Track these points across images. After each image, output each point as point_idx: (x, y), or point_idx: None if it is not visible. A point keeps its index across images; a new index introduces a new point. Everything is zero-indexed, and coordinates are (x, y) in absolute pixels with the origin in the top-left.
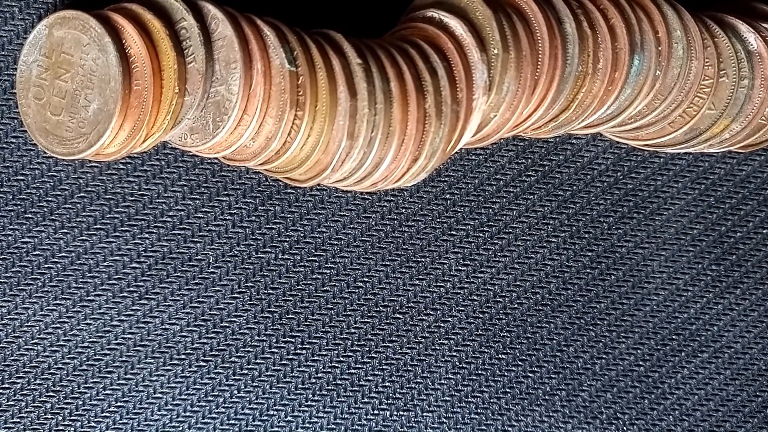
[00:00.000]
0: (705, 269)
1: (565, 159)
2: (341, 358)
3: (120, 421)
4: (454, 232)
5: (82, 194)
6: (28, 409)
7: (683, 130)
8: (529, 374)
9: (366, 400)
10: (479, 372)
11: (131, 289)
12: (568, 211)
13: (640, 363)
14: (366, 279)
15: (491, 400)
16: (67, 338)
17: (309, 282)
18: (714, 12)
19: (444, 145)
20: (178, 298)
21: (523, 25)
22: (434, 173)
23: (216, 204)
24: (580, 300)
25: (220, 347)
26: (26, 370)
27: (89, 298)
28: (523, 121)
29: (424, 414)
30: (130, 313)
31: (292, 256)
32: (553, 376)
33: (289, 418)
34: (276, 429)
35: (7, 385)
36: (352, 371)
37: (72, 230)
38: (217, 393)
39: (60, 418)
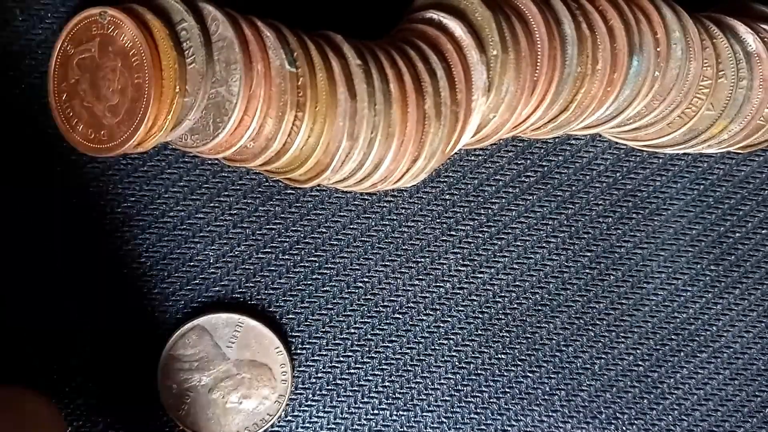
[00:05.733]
0: (704, 269)
1: (565, 160)
2: (341, 358)
3: None
4: (454, 232)
5: (83, 196)
6: None
7: (682, 130)
8: (529, 374)
9: (366, 400)
10: (479, 372)
11: (131, 288)
12: (568, 211)
13: (640, 363)
14: (366, 279)
15: (491, 400)
16: None
17: (309, 282)
18: (712, 13)
19: (443, 146)
20: (178, 298)
21: (522, 26)
22: (434, 174)
23: (216, 204)
24: (580, 300)
25: None
26: None
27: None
28: (522, 122)
29: (424, 414)
30: None
31: (293, 257)
32: (553, 375)
33: (290, 418)
34: (276, 429)
35: None
36: (352, 371)
37: (72, 230)
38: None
39: None
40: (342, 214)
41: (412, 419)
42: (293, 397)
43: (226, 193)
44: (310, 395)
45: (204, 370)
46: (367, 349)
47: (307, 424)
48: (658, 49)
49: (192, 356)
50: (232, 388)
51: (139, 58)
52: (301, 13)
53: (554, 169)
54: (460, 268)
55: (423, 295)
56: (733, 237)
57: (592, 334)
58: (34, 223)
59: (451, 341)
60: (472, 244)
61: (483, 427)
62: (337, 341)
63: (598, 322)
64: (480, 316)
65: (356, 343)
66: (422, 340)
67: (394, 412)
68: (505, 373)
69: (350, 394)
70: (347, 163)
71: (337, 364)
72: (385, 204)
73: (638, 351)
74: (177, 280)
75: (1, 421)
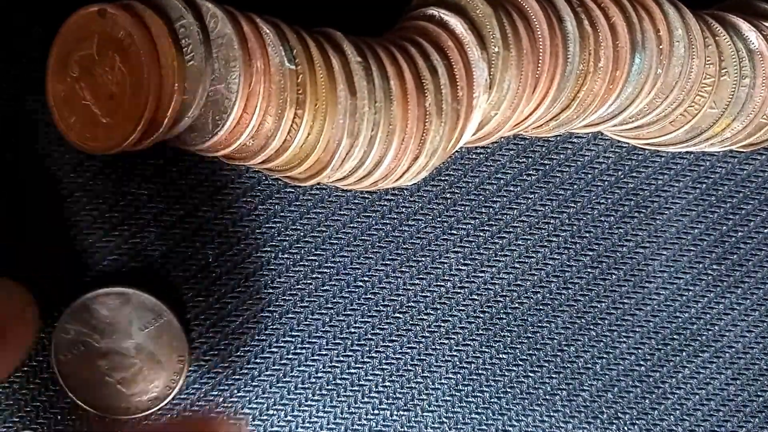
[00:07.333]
0: (706, 269)
1: (566, 158)
2: (341, 358)
3: None
4: (454, 232)
5: (82, 194)
6: None
7: (684, 128)
8: (530, 374)
9: (366, 400)
10: (479, 372)
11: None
12: (569, 210)
13: (641, 363)
14: (366, 278)
15: (491, 400)
16: None
17: (309, 281)
18: (715, 10)
19: (444, 144)
20: (177, 297)
21: (524, 23)
22: (435, 172)
23: (216, 203)
24: (581, 300)
25: (219, 347)
26: None
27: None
28: (523, 120)
29: (424, 414)
30: None
31: (292, 256)
32: (554, 375)
33: (289, 418)
34: (276, 429)
35: None
36: (352, 371)
37: (71, 230)
38: (216, 393)
39: None
40: (342, 212)
41: (412, 419)
42: (292, 396)
43: (225, 191)
44: (310, 395)
45: (105, 335)
46: (367, 349)
47: (307, 424)
48: (661, 47)
49: (103, 318)
50: (118, 365)
51: (137, 56)
52: (300, 10)
53: (555, 167)
54: (460, 267)
55: (423, 294)
56: (735, 236)
57: (594, 334)
58: (34, 223)
59: (451, 341)
60: (473, 243)
61: (484, 427)
62: (337, 341)
63: (599, 322)
64: (481, 315)
65: (356, 342)
66: (422, 340)
67: (394, 412)
68: (506, 373)
69: (350, 394)
70: (347, 161)
71: (337, 364)
72: (385, 202)
73: (640, 351)
74: (175, 279)
75: None
